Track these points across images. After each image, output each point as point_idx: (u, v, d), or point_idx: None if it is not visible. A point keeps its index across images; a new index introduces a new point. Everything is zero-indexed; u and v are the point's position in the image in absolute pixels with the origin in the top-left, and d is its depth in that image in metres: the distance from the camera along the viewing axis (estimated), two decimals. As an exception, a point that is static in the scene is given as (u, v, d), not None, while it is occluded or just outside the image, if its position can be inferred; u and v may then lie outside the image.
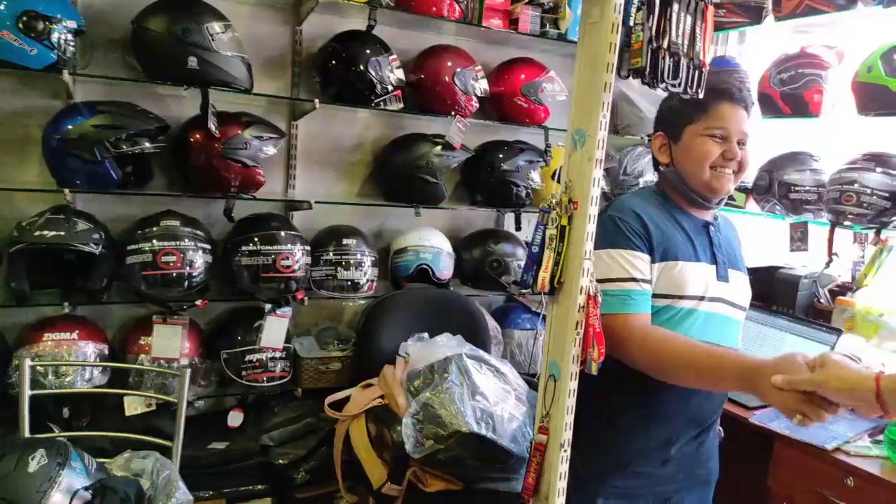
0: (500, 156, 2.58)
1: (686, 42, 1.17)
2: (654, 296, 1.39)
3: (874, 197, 2.10)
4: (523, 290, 2.57)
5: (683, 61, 1.15)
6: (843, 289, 2.32)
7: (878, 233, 2.14)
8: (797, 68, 2.45)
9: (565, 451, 1.36)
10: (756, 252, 2.56)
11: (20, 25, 1.86)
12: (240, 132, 2.15)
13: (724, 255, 1.46)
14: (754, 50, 2.99)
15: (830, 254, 2.27)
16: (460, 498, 1.88)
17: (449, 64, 2.46)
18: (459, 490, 1.89)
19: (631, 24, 1.07)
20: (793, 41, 2.61)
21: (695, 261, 1.41)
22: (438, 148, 2.46)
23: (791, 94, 2.44)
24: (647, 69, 1.10)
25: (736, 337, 1.49)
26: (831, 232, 2.25)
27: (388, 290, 2.49)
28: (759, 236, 2.74)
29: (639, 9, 1.05)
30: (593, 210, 1.30)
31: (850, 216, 2.17)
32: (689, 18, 1.12)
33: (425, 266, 2.44)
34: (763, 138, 3.05)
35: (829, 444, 1.66)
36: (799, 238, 2.45)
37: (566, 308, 1.34)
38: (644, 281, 1.36)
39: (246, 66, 2.16)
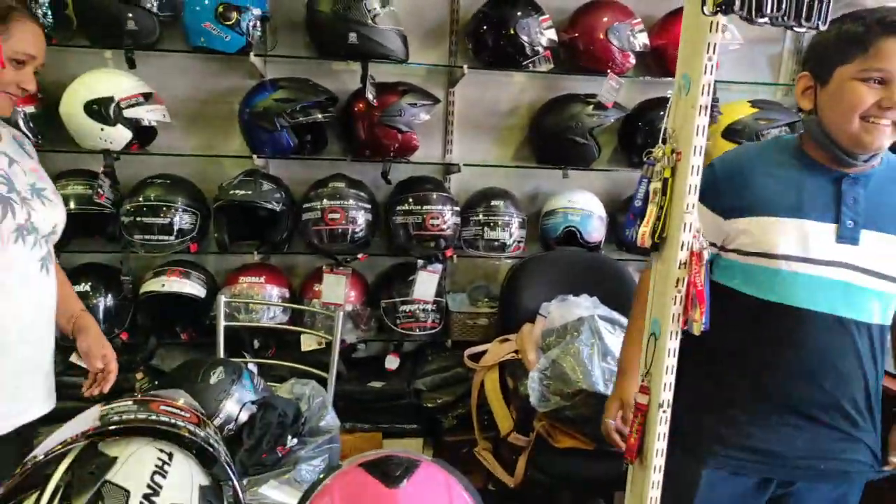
0: (661, 113, 2.44)
1: (796, -32, 1.04)
2: (743, 253, 1.29)
3: None
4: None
5: (791, -11, 1.02)
6: None
7: None
8: None
9: (664, 411, 1.32)
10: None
11: (217, 16, 2.22)
12: (396, 100, 2.33)
13: (858, 214, 1.25)
14: None
15: None
16: (589, 457, 1.90)
17: (604, 19, 2.39)
18: (590, 450, 1.90)
19: (715, -48, 0.98)
20: None
21: (793, 217, 1.25)
22: (590, 108, 2.41)
23: None
24: (741, 3, 1.00)
25: (866, 308, 1.27)
26: None
27: (539, 252, 2.53)
28: None
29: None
30: (697, 161, 1.23)
31: None
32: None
33: (573, 228, 2.43)
34: None
35: None
36: None
37: (668, 264, 1.28)
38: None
39: (401, 39, 2.32)
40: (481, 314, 2.47)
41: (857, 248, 1.25)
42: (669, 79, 2.48)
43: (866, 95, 1.19)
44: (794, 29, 1.12)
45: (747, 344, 1.32)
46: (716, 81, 2.57)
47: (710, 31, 1.17)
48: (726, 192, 1.29)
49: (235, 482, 0.85)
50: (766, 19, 1.07)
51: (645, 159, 1.30)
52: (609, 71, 2.38)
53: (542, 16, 2.36)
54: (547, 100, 2.58)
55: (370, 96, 2.28)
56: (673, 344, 1.30)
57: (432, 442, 2.41)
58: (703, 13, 1.10)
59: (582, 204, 2.46)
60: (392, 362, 2.47)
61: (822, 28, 1.13)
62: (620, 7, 2.42)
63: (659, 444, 1.34)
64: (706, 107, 1.22)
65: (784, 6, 1.05)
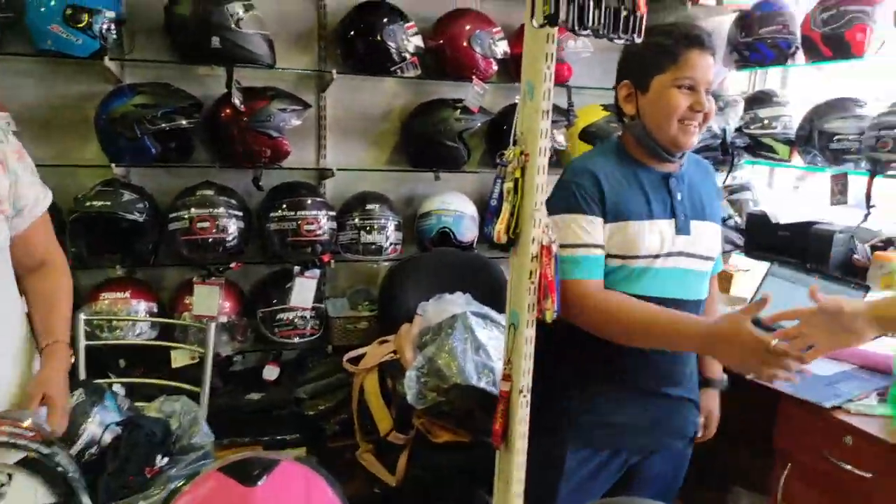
0: (524, 117, 2.58)
1: (616, -14, 1.15)
2: (608, 256, 1.39)
3: (914, 142, 1.95)
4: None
5: (610, 5, 1.14)
6: (889, 244, 2.16)
7: (918, 181, 1.98)
8: (840, 6, 2.27)
9: (524, 396, 1.41)
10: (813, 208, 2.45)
11: (66, 18, 2.09)
12: (265, 105, 2.30)
13: (685, 208, 1.43)
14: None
15: (869, 206, 2.12)
16: (466, 449, 1.97)
17: (467, 27, 2.49)
18: (467, 442, 1.97)
19: (539, -30, 1.07)
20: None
21: (648, 219, 1.39)
22: (457, 112, 2.50)
23: (832, 35, 2.27)
24: (565, 17, 1.10)
25: (699, 287, 1.47)
26: (869, 182, 2.10)
27: (416, 254, 2.59)
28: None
29: (541, -45, 1.05)
30: (542, 161, 1.32)
31: (889, 164, 2.02)
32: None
33: (447, 229, 2.51)
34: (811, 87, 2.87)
35: (827, 403, 1.59)
36: (840, 190, 2.30)
37: (522, 258, 1.37)
38: (596, 246, 1.36)
39: (267, 43, 2.30)
40: (362, 318, 2.49)
41: (690, 238, 1.41)
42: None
43: (681, 101, 1.35)
44: (614, 40, 1.25)
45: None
46: (571, 87, 2.75)
47: (546, 41, 1.27)
48: (599, 199, 1.38)
49: (85, 499, 0.83)
50: (588, 31, 1.18)
51: (498, 161, 1.39)
52: (474, 77, 2.49)
53: (407, 23, 2.42)
54: (417, 104, 2.65)
55: (237, 102, 2.24)
56: (530, 332, 1.39)
57: (315, 450, 2.39)
58: (533, 26, 1.19)
59: (455, 205, 2.55)
60: (271, 372, 2.44)
61: (638, 40, 1.27)
62: (481, 16, 2.54)
63: (521, 428, 1.42)
64: (548, 111, 1.32)
65: (603, 20, 1.17)
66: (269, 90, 2.36)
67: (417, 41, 2.44)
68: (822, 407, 1.59)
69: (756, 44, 2.59)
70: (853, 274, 2.13)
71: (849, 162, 2.22)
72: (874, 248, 2.17)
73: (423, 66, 2.50)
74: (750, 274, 2.60)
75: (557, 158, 2.70)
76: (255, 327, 2.40)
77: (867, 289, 1.97)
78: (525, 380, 1.41)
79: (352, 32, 2.42)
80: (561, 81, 2.64)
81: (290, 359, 2.58)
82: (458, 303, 2.15)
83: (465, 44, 2.48)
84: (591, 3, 1.15)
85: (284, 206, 2.32)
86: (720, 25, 2.76)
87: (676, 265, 1.40)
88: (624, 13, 1.20)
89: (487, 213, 1.43)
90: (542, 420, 1.47)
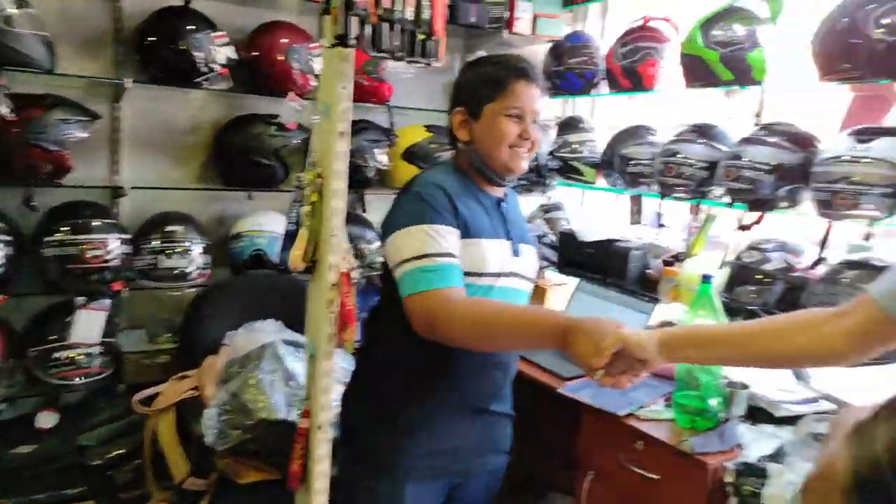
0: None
1: (411, 10, 1.13)
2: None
3: (694, 168, 2.14)
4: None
5: (404, 29, 1.11)
6: (677, 259, 2.35)
7: (698, 203, 2.19)
8: (636, 42, 2.47)
9: (325, 433, 1.32)
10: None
11: None
12: (42, 115, 2.01)
13: (515, 230, 1.49)
14: (615, 25, 3.01)
15: (660, 225, 2.31)
16: (276, 486, 1.82)
17: (283, 41, 2.38)
18: (278, 479, 1.83)
19: (328, -13, 1.02)
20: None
21: (494, 237, 1.42)
22: (273, 129, 2.37)
23: (629, 68, 2.46)
24: (355, 38, 1.06)
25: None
26: (661, 203, 2.28)
27: (228, 278, 2.40)
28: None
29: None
30: (339, 185, 1.26)
31: (675, 187, 2.20)
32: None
33: (259, 252, 2.36)
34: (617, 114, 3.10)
35: (622, 411, 1.68)
36: (636, 211, 2.48)
37: (320, 286, 1.29)
38: (453, 256, 1.32)
39: (45, 45, 2.02)
40: (161, 351, 2.24)
41: (520, 259, 1.47)
42: (356, 104, 2.59)
43: (511, 128, 1.40)
44: (412, 63, 1.22)
45: (432, 353, 1.35)
46: (393, 107, 2.72)
47: (340, 61, 1.21)
48: (453, 213, 1.36)
49: None
50: (384, 53, 1.14)
51: (295, 184, 1.30)
52: (290, 92, 2.38)
53: (215, 32, 2.26)
54: (229, 119, 2.48)
55: (5, 110, 1.93)
56: (328, 365, 1.31)
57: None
58: (323, 45, 1.13)
59: (269, 226, 2.40)
60: (47, 419, 2.10)
61: (437, 64, 1.26)
62: (299, 30, 2.44)
63: (321, 467, 1.33)
64: (345, 133, 1.26)
65: (399, 43, 1.14)
66: (47, 98, 2.07)
67: (229, 52, 2.28)
68: (617, 415, 1.67)
69: (566, 73, 2.74)
70: (648, 288, 2.30)
71: (643, 185, 2.40)
72: (665, 262, 2.36)
73: (236, 80, 2.34)
74: (564, 288, 2.72)
75: (381, 178, 2.67)
76: (27, 368, 2.07)
77: (657, 301, 2.13)
78: (325, 415, 1.32)
79: (151, 38, 2.20)
80: (382, 101, 2.61)
81: (72, 402, 2.25)
82: (268, 331, 2.02)
83: (281, 58, 2.36)
84: (386, 26, 1.11)
85: (64, 228, 2.04)
86: (535, 55, 2.89)
87: (510, 285, 1.44)
88: (421, 37, 1.18)
89: (283, 237, 1.34)
90: (370, 460, 1.40)
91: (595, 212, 3.13)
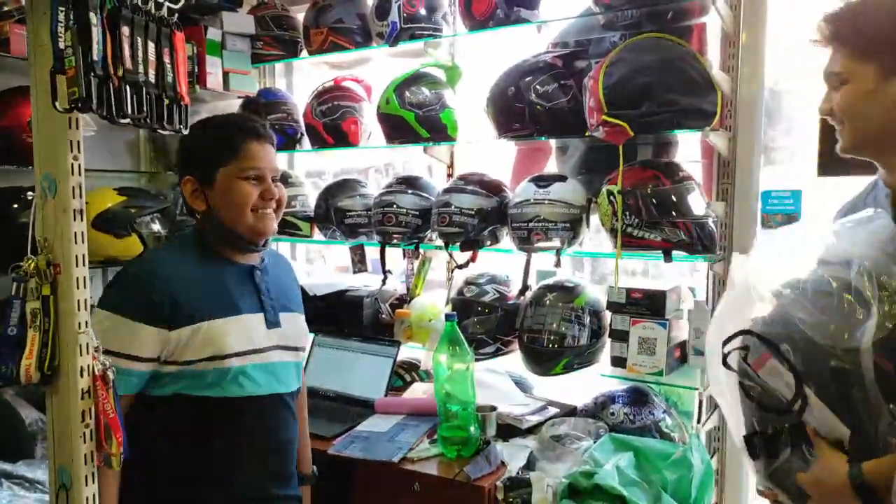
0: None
1: (153, 71, 1.03)
2: (196, 361, 1.28)
3: (409, 216, 2.33)
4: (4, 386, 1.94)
5: (150, 92, 1.01)
6: (403, 301, 2.52)
7: (417, 247, 2.39)
8: (334, 100, 2.58)
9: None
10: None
11: None
12: None
13: (272, 300, 1.41)
14: (302, 82, 3.10)
15: (385, 271, 2.45)
16: None
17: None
18: None
19: (61, 46, 0.87)
20: (334, 74, 2.76)
21: (235, 315, 1.33)
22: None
23: (332, 125, 2.56)
24: (95, 102, 0.92)
25: (294, 378, 1.47)
26: (382, 251, 2.42)
27: None
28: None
29: (67, 28, 0.86)
30: (82, 271, 1.07)
31: (394, 234, 2.36)
32: (150, 45, 0.98)
33: None
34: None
35: (395, 457, 1.73)
36: (359, 260, 2.59)
37: (67, 398, 1.07)
38: (139, 359, 1.23)
39: None
40: None
41: (280, 330, 1.40)
42: (20, 168, 2.16)
43: (251, 191, 1.35)
44: (160, 131, 1.12)
45: (199, 447, 1.28)
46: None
47: (71, 126, 1.04)
48: (164, 304, 1.24)
49: None
50: (128, 120, 1.02)
51: (12, 276, 1.06)
52: None
53: None
54: None
55: None
56: (91, 490, 1.09)
57: None
58: (56, 109, 0.96)
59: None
60: None
61: (185, 131, 1.17)
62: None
63: None
64: (82, 211, 1.08)
65: (145, 110, 1.03)
66: None
67: None
68: (392, 461, 1.71)
69: (266, 129, 2.73)
70: (384, 332, 2.41)
71: (363, 234, 2.51)
72: (392, 306, 2.51)
73: None
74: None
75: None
76: None
77: (398, 343, 2.25)
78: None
79: None
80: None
81: None
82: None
83: None
84: (130, 90, 0.99)
85: None
86: (227, 109, 2.81)
87: (271, 359, 1.37)
88: (166, 101, 1.08)
89: (3, 346, 1.07)
90: None
91: (307, 264, 3.17)
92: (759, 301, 1.03)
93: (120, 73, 0.98)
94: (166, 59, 1.01)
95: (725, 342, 1.04)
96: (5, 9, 1.80)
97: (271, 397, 1.37)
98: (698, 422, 1.94)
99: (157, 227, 2.51)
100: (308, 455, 1.68)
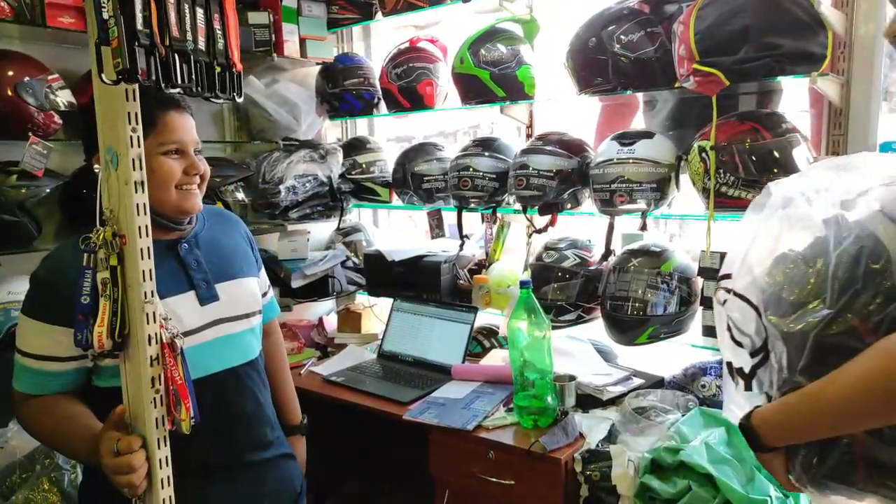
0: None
1: (202, 38, 1.00)
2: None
3: (486, 179, 2.25)
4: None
5: (200, 60, 0.98)
6: (482, 266, 2.47)
7: (494, 211, 2.31)
8: (409, 62, 2.52)
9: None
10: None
11: None
12: None
13: (206, 273, 1.33)
14: (380, 45, 3.05)
15: (462, 236, 2.40)
16: None
17: (10, 73, 1.99)
18: None
19: (105, 16, 0.85)
20: (409, 36, 2.69)
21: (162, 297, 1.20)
22: (13, 178, 1.98)
23: (407, 88, 2.51)
24: (147, 72, 0.90)
25: (249, 348, 1.39)
26: (459, 215, 2.37)
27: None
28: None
29: (109, -2, 0.84)
30: (145, 242, 1.08)
31: (471, 199, 2.29)
32: (199, 11, 0.95)
33: (19, 327, 1.94)
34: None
35: (469, 425, 1.70)
36: (436, 225, 2.55)
37: (137, 364, 1.10)
38: (58, 359, 1.23)
39: None
40: None
41: (221, 302, 1.33)
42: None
43: (174, 167, 1.27)
44: (212, 100, 1.09)
45: None
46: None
47: (127, 99, 1.04)
48: (71, 300, 1.11)
49: None
50: (178, 89, 1.00)
51: (83, 246, 1.09)
52: (30, 134, 2.00)
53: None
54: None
55: None
56: (164, 452, 1.12)
57: None
58: (103, 81, 0.95)
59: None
60: None
61: (239, 99, 1.13)
62: (30, 60, 2.06)
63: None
64: (143, 183, 1.08)
65: (196, 78, 1.00)
66: None
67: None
68: (466, 430, 1.69)
69: (343, 94, 2.72)
70: (462, 298, 2.37)
71: (440, 199, 2.47)
72: (471, 271, 2.46)
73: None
74: (378, 308, 2.70)
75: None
76: None
77: (476, 310, 2.21)
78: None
79: None
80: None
81: None
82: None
83: (10, 93, 1.97)
84: (178, 58, 0.97)
85: None
86: (306, 77, 2.82)
87: (215, 335, 1.31)
88: (218, 69, 1.05)
89: (78, 313, 1.11)
90: None
91: (391, 230, 3.16)
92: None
93: (167, 41, 0.95)
94: (216, 26, 0.98)
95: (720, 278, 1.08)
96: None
97: (223, 373, 1.31)
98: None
99: (241, 195, 2.58)
100: (294, 407, 1.62)
